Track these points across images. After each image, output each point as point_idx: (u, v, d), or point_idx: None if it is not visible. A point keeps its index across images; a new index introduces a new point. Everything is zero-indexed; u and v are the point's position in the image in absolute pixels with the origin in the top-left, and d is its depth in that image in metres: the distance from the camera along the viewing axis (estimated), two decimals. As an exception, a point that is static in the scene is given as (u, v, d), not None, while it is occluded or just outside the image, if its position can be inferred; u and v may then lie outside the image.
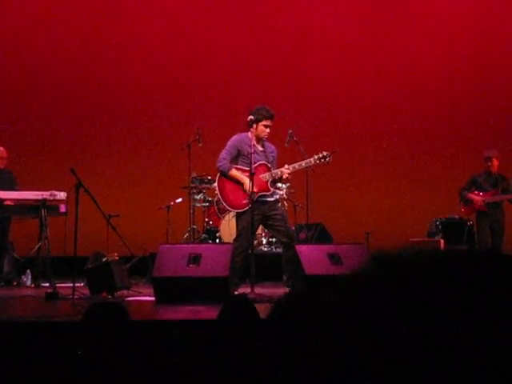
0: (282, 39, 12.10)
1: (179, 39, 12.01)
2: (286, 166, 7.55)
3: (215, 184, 7.85)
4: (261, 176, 7.51)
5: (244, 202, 7.38)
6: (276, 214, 7.57)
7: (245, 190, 7.41)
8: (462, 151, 11.76)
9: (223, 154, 7.55)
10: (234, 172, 7.51)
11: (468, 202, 9.75)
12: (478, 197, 9.64)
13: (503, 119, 12.07)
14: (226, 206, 7.73)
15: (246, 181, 7.36)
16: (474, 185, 9.78)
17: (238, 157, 7.55)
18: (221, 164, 7.52)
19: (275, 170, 7.58)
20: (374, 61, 12.11)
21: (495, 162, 9.68)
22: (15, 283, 8.98)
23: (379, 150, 12.02)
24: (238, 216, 7.60)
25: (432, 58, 12.16)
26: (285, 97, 11.62)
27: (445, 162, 11.87)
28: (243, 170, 7.48)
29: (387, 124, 12.09)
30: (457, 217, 10.33)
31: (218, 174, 7.64)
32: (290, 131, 8.33)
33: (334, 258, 7.01)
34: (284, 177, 7.57)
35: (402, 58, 12.18)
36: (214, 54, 11.97)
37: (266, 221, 7.59)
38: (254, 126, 7.44)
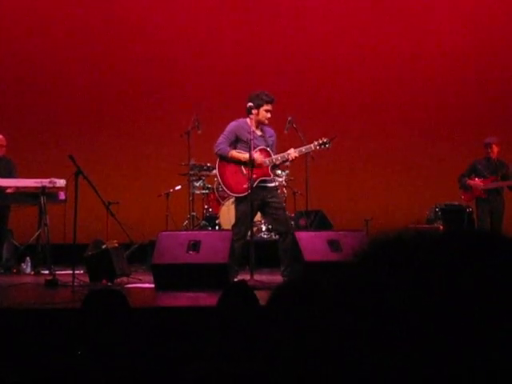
0: (282, 25, 12.06)
1: (179, 26, 11.96)
2: (293, 150, 7.55)
3: (215, 170, 7.85)
4: (262, 161, 7.51)
5: (244, 186, 7.38)
6: (274, 202, 7.58)
7: (246, 164, 7.36)
8: (461, 137, 11.74)
9: (220, 138, 7.56)
10: (233, 153, 7.48)
11: (468, 189, 9.76)
12: (477, 182, 9.65)
13: (504, 105, 12.05)
14: (227, 191, 7.73)
15: (247, 155, 7.33)
16: (474, 171, 9.79)
17: (236, 142, 7.54)
18: (219, 148, 7.52)
19: (276, 155, 7.58)
20: (374, 47, 12.08)
21: (495, 149, 9.69)
22: (15, 270, 8.99)
23: (379, 137, 12.01)
24: (238, 202, 7.60)
25: (434, 44, 12.12)
26: (284, 83, 11.58)
27: (445, 148, 11.86)
28: (239, 152, 7.49)
29: (387, 111, 12.07)
30: (456, 203, 10.33)
31: (218, 159, 7.63)
32: (289, 118, 8.32)
33: (333, 245, 7.02)
34: (290, 159, 7.55)
35: (404, 44, 12.14)
36: (213, 40, 11.94)
37: (264, 208, 7.58)
38: (255, 111, 7.43)
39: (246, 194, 7.33)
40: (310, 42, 12.06)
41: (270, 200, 7.52)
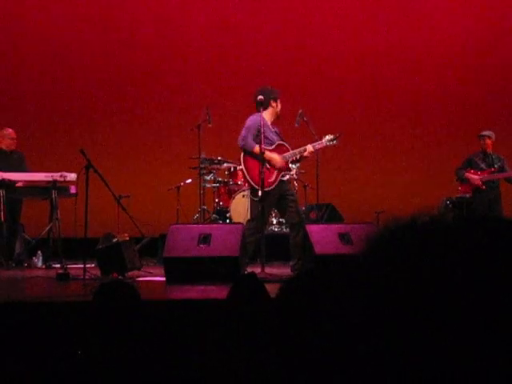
0: (293, 19, 12.03)
1: (189, 19, 11.95)
2: (310, 145, 7.62)
3: (241, 165, 7.75)
4: (282, 156, 7.55)
5: (269, 180, 7.40)
6: (289, 195, 7.63)
7: (273, 165, 7.42)
8: (473, 129, 11.68)
9: (244, 132, 7.49)
10: (258, 148, 7.40)
11: (465, 181, 9.84)
12: (474, 175, 9.72)
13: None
14: (254, 185, 7.55)
15: (274, 155, 7.40)
16: (470, 164, 9.87)
17: (257, 137, 7.51)
18: (244, 142, 7.46)
19: (294, 150, 7.62)
20: (385, 42, 12.04)
21: (488, 141, 9.81)
22: (26, 264, 9.02)
23: (390, 130, 11.98)
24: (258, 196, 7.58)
25: (447, 39, 12.08)
26: (295, 77, 11.57)
27: (456, 140, 11.81)
28: (265, 149, 7.48)
29: (398, 103, 12.04)
30: (468, 196, 10.29)
31: (242, 154, 7.58)
32: (300, 111, 8.31)
33: (344, 238, 7.00)
34: (307, 154, 7.63)
35: (415, 37, 12.10)
36: (224, 33, 11.92)
37: (281, 201, 7.59)
38: (275, 104, 7.51)
39: (271, 188, 7.38)
40: (322, 35, 12.02)
41: (286, 193, 7.57)
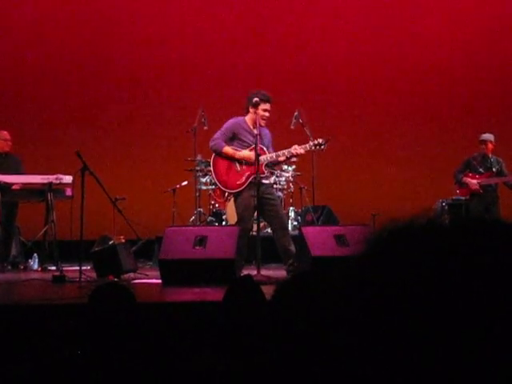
0: (287, 20, 12.04)
1: (184, 21, 11.96)
2: (295, 146, 7.56)
3: (210, 166, 7.82)
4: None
5: (238, 182, 7.41)
6: (271, 199, 7.60)
7: (249, 162, 7.39)
8: (470, 131, 11.71)
9: (217, 134, 7.61)
10: (227, 149, 7.50)
11: (463, 185, 9.84)
12: (473, 180, 9.71)
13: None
14: (221, 187, 7.76)
15: (245, 152, 7.39)
16: (469, 167, 9.85)
17: (233, 140, 7.56)
18: (214, 143, 7.54)
19: (272, 153, 7.58)
20: (382, 43, 12.05)
21: (490, 146, 9.77)
22: (22, 267, 9.01)
23: (385, 132, 11.98)
24: (236, 199, 7.62)
25: (445, 36, 12.10)
26: (290, 78, 11.57)
27: (452, 142, 11.82)
28: (235, 149, 7.50)
29: (394, 105, 12.04)
30: (463, 198, 10.30)
31: (213, 155, 7.65)
32: (295, 113, 8.31)
33: (340, 240, 7.00)
34: (295, 153, 7.54)
35: (414, 38, 12.12)
36: (219, 35, 11.93)
37: (262, 204, 7.50)
38: (252, 110, 7.48)
39: (239, 189, 7.37)
40: (317, 36, 12.03)
41: (265, 196, 7.50)
